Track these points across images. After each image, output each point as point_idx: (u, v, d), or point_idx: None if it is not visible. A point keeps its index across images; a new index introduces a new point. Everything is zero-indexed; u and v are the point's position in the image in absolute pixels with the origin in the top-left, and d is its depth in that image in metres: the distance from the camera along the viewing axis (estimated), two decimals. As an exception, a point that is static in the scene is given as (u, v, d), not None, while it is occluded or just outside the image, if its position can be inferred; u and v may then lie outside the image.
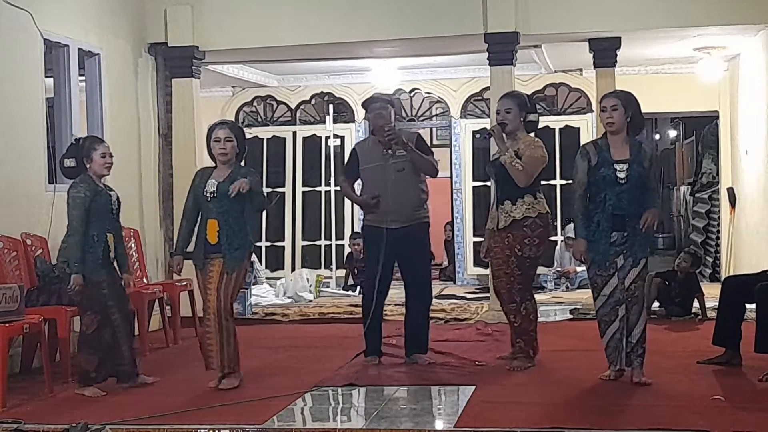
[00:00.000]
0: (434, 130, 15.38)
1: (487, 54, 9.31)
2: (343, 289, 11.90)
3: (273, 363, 6.93)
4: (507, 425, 4.82)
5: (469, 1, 9.19)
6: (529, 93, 8.19)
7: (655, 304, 8.70)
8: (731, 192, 11.68)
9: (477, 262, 12.34)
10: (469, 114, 12.85)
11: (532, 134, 6.49)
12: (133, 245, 8.29)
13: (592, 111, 11.60)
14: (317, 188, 13.07)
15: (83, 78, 8.44)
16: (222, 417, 5.19)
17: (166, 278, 9.20)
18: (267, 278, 12.13)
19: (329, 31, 9.52)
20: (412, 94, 13.06)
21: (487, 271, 7.57)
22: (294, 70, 12.46)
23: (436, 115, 13.24)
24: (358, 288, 10.89)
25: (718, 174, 13.00)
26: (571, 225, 8.01)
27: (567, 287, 11.74)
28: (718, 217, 12.81)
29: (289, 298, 11.08)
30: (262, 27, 9.56)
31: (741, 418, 4.90)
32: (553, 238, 10.12)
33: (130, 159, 9.05)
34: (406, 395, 5.77)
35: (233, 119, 12.63)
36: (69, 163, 6.08)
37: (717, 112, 12.36)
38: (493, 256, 6.46)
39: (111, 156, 6.14)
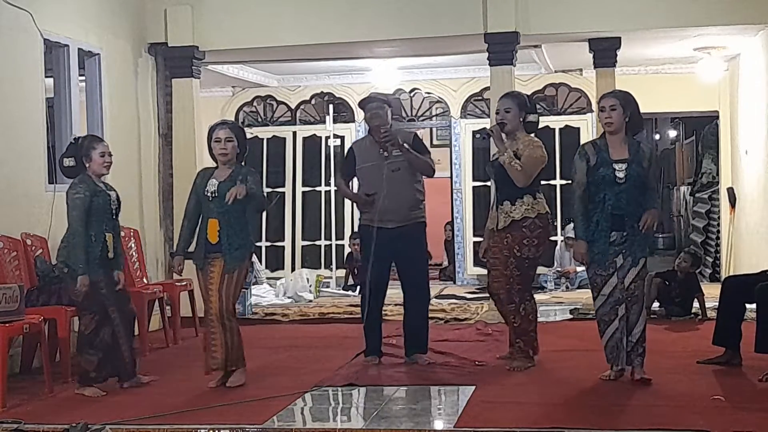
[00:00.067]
0: (434, 130, 15.40)
1: (487, 54, 9.30)
2: (343, 289, 11.90)
3: (273, 363, 6.93)
4: (507, 425, 4.82)
5: (469, 1, 9.18)
6: (529, 93, 8.20)
7: (655, 304, 8.70)
8: (731, 192, 11.68)
9: (477, 262, 12.33)
10: (469, 114, 12.85)
11: (533, 134, 6.48)
12: (133, 245, 8.29)
13: (592, 111, 11.60)
14: (317, 188, 13.07)
15: (83, 78, 8.44)
16: (222, 417, 5.19)
17: (166, 278, 9.20)
18: (267, 278, 12.13)
19: (329, 31, 9.51)
20: (412, 94, 13.06)
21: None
22: (294, 70, 12.46)
23: (436, 115, 13.24)
24: (358, 288, 10.88)
25: (718, 174, 12.99)
26: (571, 225, 8.01)
27: (567, 287, 11.75)
28: (718, 217, 12.81)
29: (289, 298, 11.08)
30: (262, 27, 9.56)
31: (741, 418, 4.90)
32: (553, 238, 10.11)
33: (130, 159, 9.05)
34: (406, 395, 5.76)
35: (233, 119, 12.63)
36: (68, 162, 6.08)
37: (717, 112, 12.36)
38: (492, 256, 6.45)
39: (110, 155, 6.13)
